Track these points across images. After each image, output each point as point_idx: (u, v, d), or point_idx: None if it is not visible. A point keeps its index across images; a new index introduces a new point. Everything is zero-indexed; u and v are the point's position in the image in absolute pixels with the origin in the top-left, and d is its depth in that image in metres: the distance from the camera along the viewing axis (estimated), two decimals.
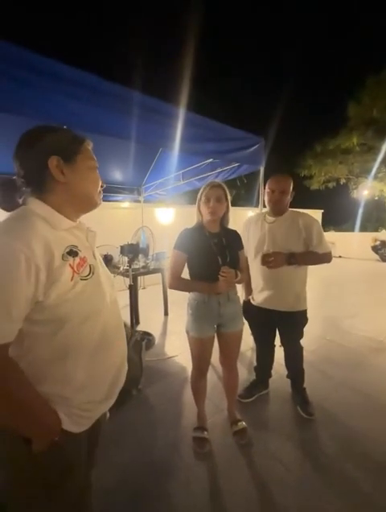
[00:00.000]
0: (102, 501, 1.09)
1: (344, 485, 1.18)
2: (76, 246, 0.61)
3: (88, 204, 0.69)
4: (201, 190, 1.31)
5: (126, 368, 0.77)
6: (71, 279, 0.56)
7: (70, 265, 0.57)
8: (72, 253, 0.59)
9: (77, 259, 0.59)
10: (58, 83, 1.42)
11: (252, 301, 1.67)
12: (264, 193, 1.58)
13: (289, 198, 1.52)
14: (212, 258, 1.27)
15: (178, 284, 1.30)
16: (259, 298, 1.60)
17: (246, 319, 1.76)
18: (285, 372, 1.80)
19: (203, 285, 1.27)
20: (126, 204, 5.33)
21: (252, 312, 1.66)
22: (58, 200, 0.62)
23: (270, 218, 1.57)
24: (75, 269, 0.58)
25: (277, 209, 1.53)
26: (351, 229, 13.89)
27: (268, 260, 1.42)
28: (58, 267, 0.54)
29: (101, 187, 0.71)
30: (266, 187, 1.55)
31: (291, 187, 1.51)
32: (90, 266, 0.63)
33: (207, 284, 1.26)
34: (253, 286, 1.65)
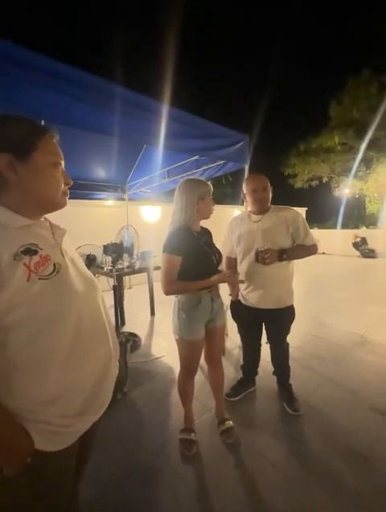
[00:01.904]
0: (88, 509, 1.05)
1: (330, 480, 1.19)
2: (36, 244, 0.56)
3: (49, 206, 0.62)
4: (202, 188, 1.24)
5: (112, 377, 0.70)
6: (28, 280, 0.51)
7: (25, 264, 0.51)
8: (30, 251, 0.53)
9: (36, 258, 0.54)
10: (31, 72, 1.33)
11: (242, 301, 1.64)
12: (245, 196, 1.56)
13: (270, 194, 1.52)
14: (207, 257, 1.25)
15: (177, 288, 1.21)
16: (250, 298, 1.58)
17: (235, 319, 1.75)
18: (272, 369, 1.81)
19: (207, 282, 1.20)
20: (110, 203, 5.21)
21: (241, 312, 1.65)
22: (14, 201, 0.56)
23: (255, 217, 1.55)
24: (33, 268, 0.52)
25: (263, 207, 1.52)
26: (334, 227, 14.33)
27: (264, 256, 1.41)
28: (7, 268, 0.49)
29: (67, 184, 0.64)
30: (245, 188, 1.54)
31: (269, 183, 1.52)
32: (54, 264, 0.57)
33: (215, 277, 1.20)
34: (243, 286, 1.62)
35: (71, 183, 0.66)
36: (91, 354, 0.62)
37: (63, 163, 0.64)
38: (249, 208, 1.60)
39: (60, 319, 0.56)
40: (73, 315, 0.59)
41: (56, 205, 0.63)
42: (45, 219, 0.66)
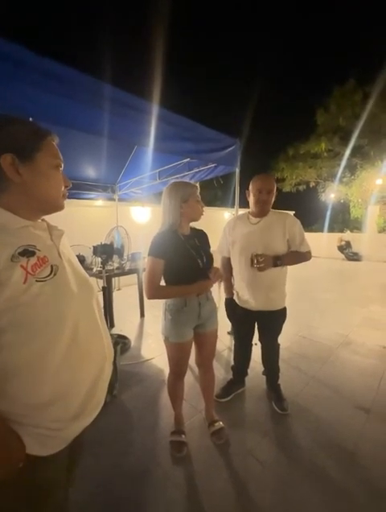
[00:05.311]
0: None
1: (316, 475, 1.23)
2: (34, 246, 0.55)
3: (50, 207, 0.63)
4: (185, 190, 1.22)
5: (105, 379, 0.69)
6: (24, 282, 0.50)
7: (22, 266, 0.51)
8: (27, 253, 0.53)
9: (33, 259, 0.53)
10: (20, 69, 1.31)
11: (237, 302, 1.67)
12: (249, 194, 1.54)
13: (273, 198, 1.52)
14: (192, 261, 1.23)
15: (159, 293, 1.21)
16: (244, 299, 1.60)
17: (229, 317, 1.77)
18: (261, 369, 1.84)
19: (187, 288, 1.21)
20: (100, 203, 5.14)
21: (236, 311, 1.67)
22: (13, 201, 0.55)
23: (254, 219, 1.56)
24: (30, 270, 0.52)
25: (264, 209, 1.52)
26: (320, 230, 14.72)
27: (259, 260, 1.41)
28: (4, 270, 0.48)
29: (66, 187, 0.65)
30: (251, 187, 1.53)
31: (275, 187, 1.52)
32: (52, 266, 0.57)
33: (191, 287, 1.20)
34: (238, 287, 1.65)
35: (70, 184, 0.66)
36: (86, 357, 0.62)
37: (62, 165, 0.64)
38: (250, 209, 1.61)
39: (57, 321, 0.56)
40: (69, 317, 0.58)
41: (56, 207, 0.64)
42: (43, 220, 0.65)
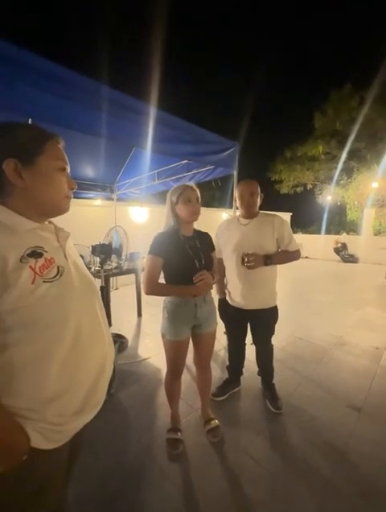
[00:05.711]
0: (74, 509, 1.06)
1: (308, 473, 1.26)
2: (41, 247, 0.57)
3: (52, 210, 0.64)
4: (176, 192, 1.26)
5: (106, 377, 0.71)
6: (32, 282, 0.52)
7: (30, 267, 0.53)
8: (35, 254, 0.55)
9: (41, 260, 0.55)
10: (20, 70, 1.32)
11: (229, 301, 1.70)
12: (236, 199, 1.65)
13: (259, 200, 1.61)
14: (189, 262, 1.26)
15: (156, 290, 1.26)
16: (236, 299, 1.64)
17: (222, 317, 1.80)
18: (256, 369, 1.87)
19: (182, 289, 1.26)
20: (98, 202, 5.15)
21: (229, 312, 1.71)
22: (18, 205, 0.58)
23: (244, 220, 1.63)
24: (38, 271, 0.54)
25: (250, 211, 1.60)
26: (317, 232, 14.84)
27: (250, 259, 1.48)
28: (13, 271, 0.50)
29: (72, 188, 0.66)
30: (236, 193, 1.64)
31: (259, 190, 1.60)
32: (58, 267, 0.59)
33: (186, 288, 1.25)
34: (230, 287, 1.69)
35: (76, 186, 0.67)
36: (88, 355, 0.64)
37: (68, 167, 0.65)
38: (239, 212, 1.68)
39: (61, 321, 0.58)
40: (73, 317, 0.60)
41: (59, 210, 0.65)
42: (50, 222, 0.67)
